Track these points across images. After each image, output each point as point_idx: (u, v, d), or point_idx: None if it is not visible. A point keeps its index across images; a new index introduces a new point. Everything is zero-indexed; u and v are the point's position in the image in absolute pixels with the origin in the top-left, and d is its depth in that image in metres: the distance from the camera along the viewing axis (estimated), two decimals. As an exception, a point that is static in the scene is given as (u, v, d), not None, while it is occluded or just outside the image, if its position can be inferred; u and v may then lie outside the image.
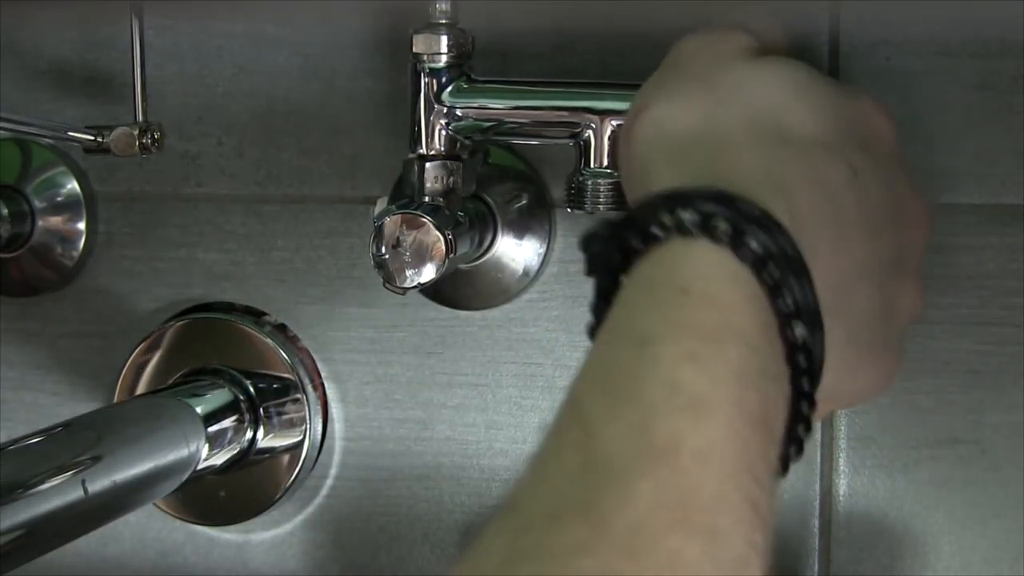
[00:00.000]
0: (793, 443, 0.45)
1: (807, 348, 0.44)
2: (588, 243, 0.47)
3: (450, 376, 0.72)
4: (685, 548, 0.38)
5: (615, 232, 0.45)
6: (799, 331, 0.44)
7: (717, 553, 0.39)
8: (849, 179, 0.50)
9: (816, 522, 0.69)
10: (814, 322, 0.44)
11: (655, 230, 0.44)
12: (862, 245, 0.50)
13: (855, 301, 0.49)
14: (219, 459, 0.70)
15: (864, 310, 0.50)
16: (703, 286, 0.43)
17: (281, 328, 0.73)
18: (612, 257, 0.45)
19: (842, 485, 0.68)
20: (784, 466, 0.45)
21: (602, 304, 0.46)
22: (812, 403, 0.45)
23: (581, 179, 0.62)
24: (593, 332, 0.46)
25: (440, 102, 0.63)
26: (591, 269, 0.47)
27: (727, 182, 0.46)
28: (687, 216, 0.44)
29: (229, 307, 0.74)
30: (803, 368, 0.44)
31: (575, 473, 0.39)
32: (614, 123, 0.62)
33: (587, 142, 0.62)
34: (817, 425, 0.59)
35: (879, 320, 0.51)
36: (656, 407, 0.40)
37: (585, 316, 0.70)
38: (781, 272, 0.44)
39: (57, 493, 0.58)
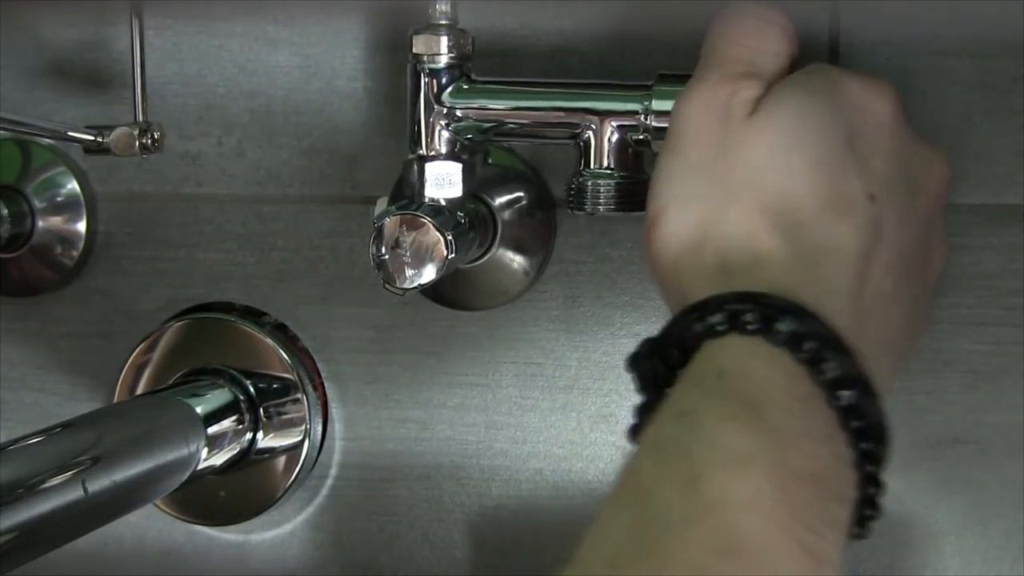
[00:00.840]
0: (867, 504, 0.48)
1: (859, 411, 0.46)
2: (635, 364, 0.50)
3: (450, 376, 0.72)
4: None
5: (656, 349, 0.49)
6: (846, 397, 0.46)
7: None
8: (869, 220, 0.51)
9: (816, 522, 0.69)
10: (864, 389, 0.47)
11: (691, 342, 0.47)
12: (892, 263, 0.52)
13: (890, 310, 0.52)
14: (219, 459, 0.70)
15: (897, 307, 0.53)
16: (738, 367, 0.46)
17: (281, 328, 0.73)
18: (658, 372, 0.49)
19: (842, 485, 0.68)
20: (862, 525, 0.48)
21: (646, 413, 0.49)
22: (878, 462, 0.47)
23: (581, 180, 0.62)
24: (636, 433, 0.49)
25: (440, 103, 0.63)
26: (643, 387, 0.49)
27: (752, 278, 0.49)
28: (716, 319, 0.47)
29: (229, 307, 0.74)
30: (859, 429, 0.47)
31: (631, 526, 0.42)
32: (614, 124, 0.62)
33: (587, 143, 0.62)
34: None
35: (913, 300, 0.54)
36: (702, 465, 0.43)
37: (585, 316, 0.71)
38: (816, 347, 0.46)
39: (57, 493, 0.58)
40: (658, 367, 0.49)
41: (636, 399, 0.49)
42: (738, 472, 0.42)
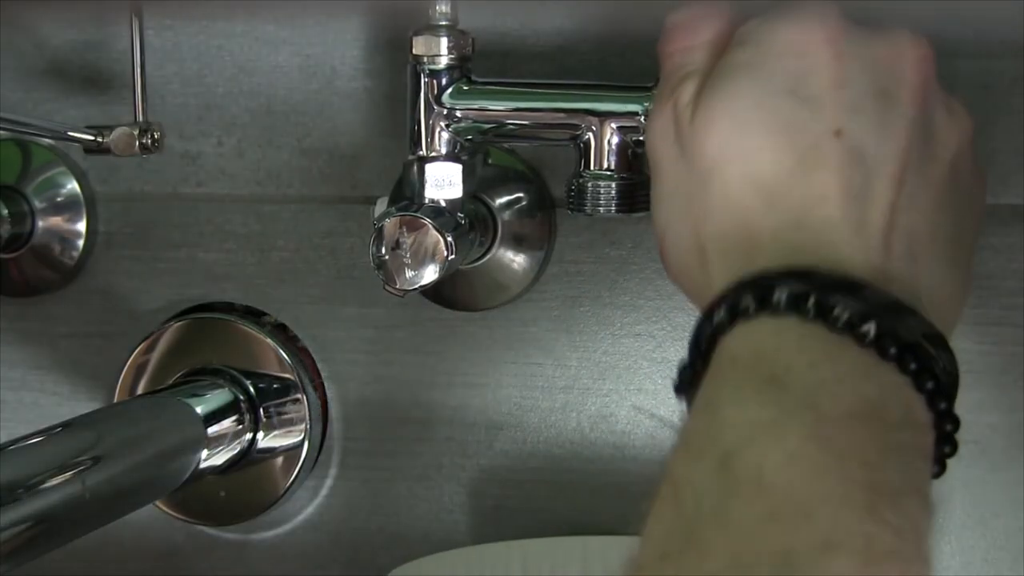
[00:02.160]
0: (945, 442, 0.47)
1: (896, 336, 0.45)
2: (677, 386, 0.50)
3: (450, 376, 0.72)
4: (790, 542, 0.40)
5: (688, 359, 0.49)
6: (872, 329, 0.45)
7: (822, 535, 0.40)
8: (844, 155, 0.50)
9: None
10: (894, 314, 0.46)
11: (705, 345, 0.48)
12: (895, 173, 0.50)
13: (915, 217, 0.51)
14: (219, 459, 0.70)
15: (923, 209, 0.51)
16: (748, 348, 0.46)
17: (281, 328, 0.73)
18: (694, 378, 0.49)
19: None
20: (939, 462, 0.47)
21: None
22: (955, 421, 0.46)
23: (581, 181, 0.62)
24: None
25: (440, 104, 0.63)
26: (684, 397, 0.50)
27: (751, 263, 0.48)
28: (721, 316, 0.47)
29: (229, 307, 0.74)
30: (899, 352, 0.45)
31: (673, 518, 0.42)
32: (614, 125, 0.62)
33: (587, 144, 0.62)
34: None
35: (955, 243, 0.53)
36: (730, 445, 0.42)
37: (585, 316, 0.71)
38: (819, 298, 0.46)
39: (57, 493, 0.58)
40: (686, 375, 0.49)
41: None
42: (768, 440, 0.42)
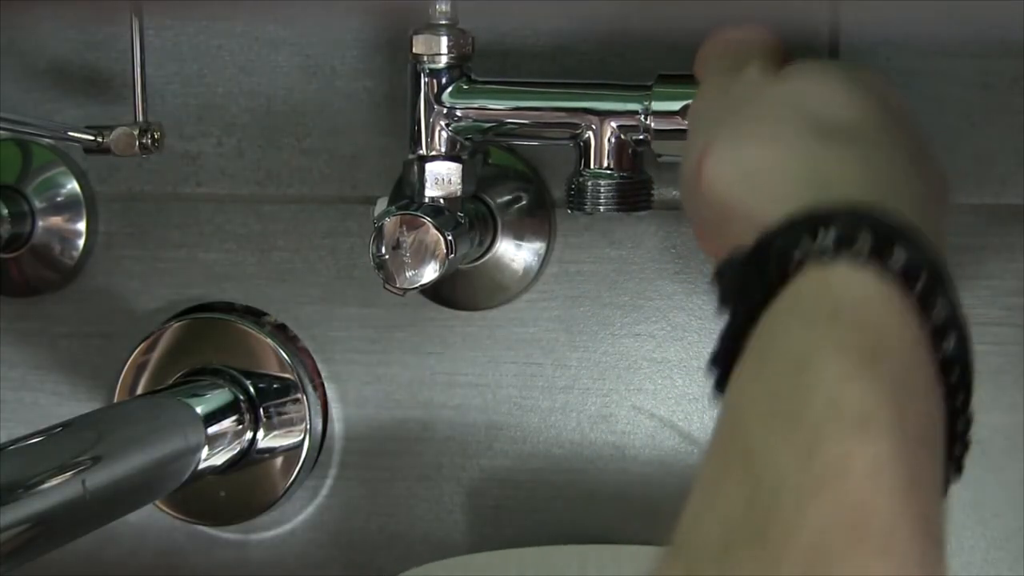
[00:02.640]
0: (952, 463, 0.45)
1: (960, 361, 0.44)
2: (722, 273, 0.46)
3: (450, 376, 0.72)
4: (865, 567, 0.38)
5: (751, 260, 0.45)
6: (951, 345, 0.43)
7: (897, 569, 0.38)
8: (906, 145, 0.51)
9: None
10: (962, 336, 0.44)
11: (797, 254, 0.43)
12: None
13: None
14: (219, 459, 0.70)
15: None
16: (852, 307, 0.42)
17: (281, 328, 0.73)
18: (751, 287, 0.44)
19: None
20: (944, 487, 0.44)
21: (736, 334, 0.45)
22: (968, 422, 0.45)
23: (581, 180, 0.63)
24: (717, 360, 0.45)
25: (440, 103, 0.63)
26: (725, 299, 0.46)
27: (838, 192, 0.45)
28: (827, 238, 0.43)
29: (229, 307, 0.74)
30: (955, 383, 0.44)
31: (744, 503, 0.39)
32: (614, 124, 0.62)
33: (587, 143, 0.62)
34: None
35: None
36: (821, 429, 0.39)
37: (585, 316, 0.71)
38: (927, 282, 0.43)
39: (57, 493, 0.58)
40: (752, 283, 0.44)
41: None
42: (859, 436, 0.39)
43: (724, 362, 0.45)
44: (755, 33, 0.58)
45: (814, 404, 0.40)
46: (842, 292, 0.42)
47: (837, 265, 0.43)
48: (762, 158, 0.49)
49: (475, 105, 0.63)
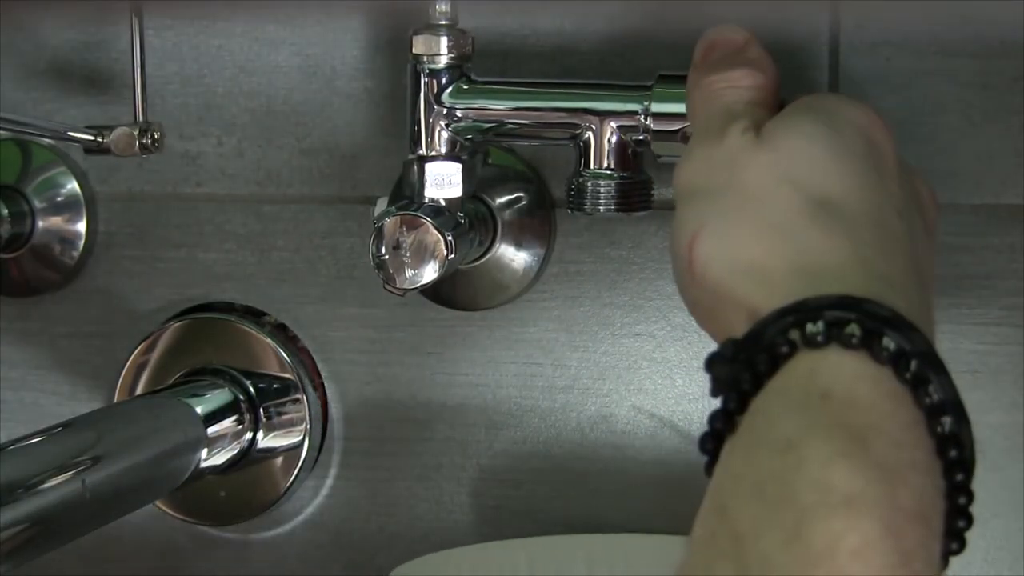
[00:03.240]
0: (953, 537, 0.45)
1: (957, 439, 0.44)
2: (713, 365, 0.46)
3: (450, 376, 0.72)
4: None
5: (741, 352, 0.45)
6: (948, 424, 0.44)
7: None
8: (905, 226, 0.50)
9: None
10: (959, 414, 0.44)
11: (784, 349, 0.44)
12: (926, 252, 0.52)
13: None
14: (219, 459, 0.70)
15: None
16: (843, 389, 0.43)
17: (281, 328, 0.73)
18: (741, 379, 0.45)
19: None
20: (944, 560, 0.45)
21: (726, 420, 0.45)
22: (969, 495, 0.45)
23: (581, 180, 0.63)
24: (707, 442, 0.46)
25: (440, 103, 0.63)
26: (717, 389, 0.46)
27: (831, 282, 0.46)
28: (816, 328, 0.44)
29: (229, 307, 0.74)
30: (955, 460, 0.44)
31: None
32: (614, 124, 0.62)
33: (587, 143, 0.62)
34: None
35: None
36: (809, 510, 0.40)
37: (585, 316, 0.71)
38: (920, 367, 0.44)
39: (57, 493, 0.58)
40: (742, 374, 0.45)
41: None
42: (847, 517, 0.40)
43: (714, 445, 0.46)
44: (745, 77, 0.55)
45: (801, 485, 0.40)
46: (832, 375, 0.43)
47: (827, 352, 0.43)
48: (752, 248, 0.49)
49: (475, 105, 0.63)
